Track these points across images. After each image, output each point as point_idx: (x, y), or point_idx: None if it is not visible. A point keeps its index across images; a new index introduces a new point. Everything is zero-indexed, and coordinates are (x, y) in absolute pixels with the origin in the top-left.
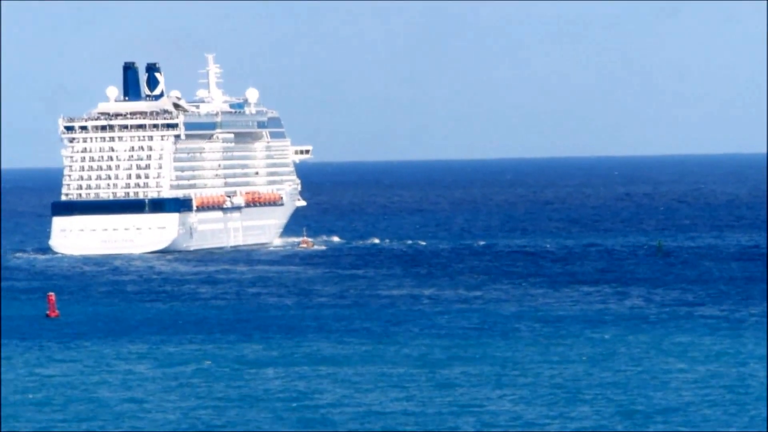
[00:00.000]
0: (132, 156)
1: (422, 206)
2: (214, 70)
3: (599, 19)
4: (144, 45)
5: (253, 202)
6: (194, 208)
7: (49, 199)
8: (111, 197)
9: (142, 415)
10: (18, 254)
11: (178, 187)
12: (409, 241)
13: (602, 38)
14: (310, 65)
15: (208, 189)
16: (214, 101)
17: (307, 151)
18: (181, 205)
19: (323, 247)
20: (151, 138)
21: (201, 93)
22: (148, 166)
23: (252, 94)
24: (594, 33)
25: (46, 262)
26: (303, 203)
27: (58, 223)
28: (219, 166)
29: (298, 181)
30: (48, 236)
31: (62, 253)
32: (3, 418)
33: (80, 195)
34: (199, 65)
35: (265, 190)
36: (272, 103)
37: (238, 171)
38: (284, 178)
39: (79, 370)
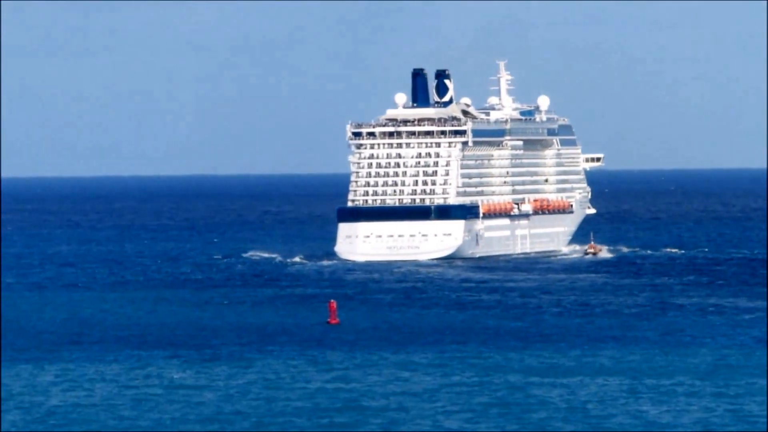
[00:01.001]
0: (419, 162)
1: (718, 215)
2: (505, 77)
3: None
4: (435, 51)
5: (542, 210)
6: (481, 215)
7: (334, 205)
8: (397, 204)
9: (423, 421)
10: (296, 259)
11: (465, 194)
12: (705, 250)
13: None
14: (602, 72)
15: (496, 196)
16: (505, 108)
17: (599, 159)
18: (467, 212)
19: (611, 255)
20: (438, 145)
21: (492, 100)
22: (434, 173)
23: (543, 102)
24: None
25: (331, 267)
26: (592, 211)
27: (344, 229)
28: (507, 173)
29: (588, 189)
30: (333, 242)
31: (347, 259)
32: (280, 425)
33: (366, 201)
34: (491, 72)
35: (553, 198)
36: (564, 111)
37: (527, 178)
38: (574, 185)
39: (355, 378)
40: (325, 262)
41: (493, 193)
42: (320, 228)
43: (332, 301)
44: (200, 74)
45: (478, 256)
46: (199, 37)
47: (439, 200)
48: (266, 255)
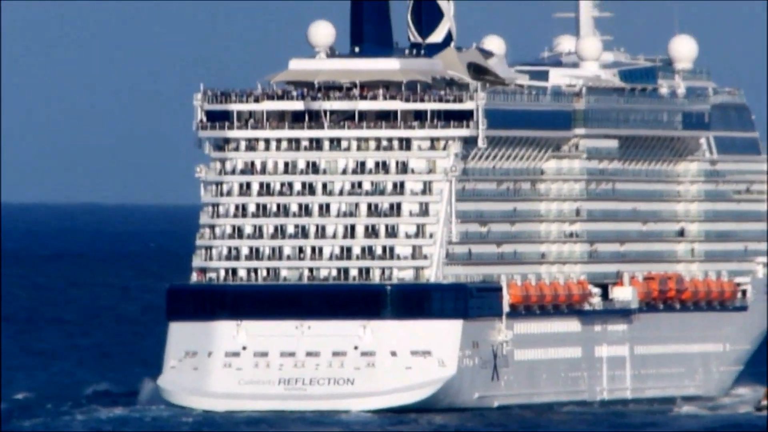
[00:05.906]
0: (360, 185)
1: None
2: None
3: None
4: None
5: (666, 301)
6: (505, 307)
7: (163, 281)
8: (306, 281)
9: None
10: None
11: (468, 259)
12: None
13: None
14: None
15: (547, 266)
16: (585, 63)
17: None
18: (471, 300)
19: None
20: (406, 144)
21: (561, 42)
22: (395, 208)
23: (682, 49)
24: None
25: (142, 427)
26: None
27: (181, 335)
28: (577, 212)
29: None
30: (156, 368)
31: (185, 407)
32: None
33: (236, 273)
34: None
35: (697, 273)
36: (732, 74)
37: (630, 226)
38: (751, 246)
39: None
40: (128, 413)
41: (541, 259)
42: (126, 332)
43: None
44: None
45: (497, 405)
46: None
47: (405, 273)
48: None
